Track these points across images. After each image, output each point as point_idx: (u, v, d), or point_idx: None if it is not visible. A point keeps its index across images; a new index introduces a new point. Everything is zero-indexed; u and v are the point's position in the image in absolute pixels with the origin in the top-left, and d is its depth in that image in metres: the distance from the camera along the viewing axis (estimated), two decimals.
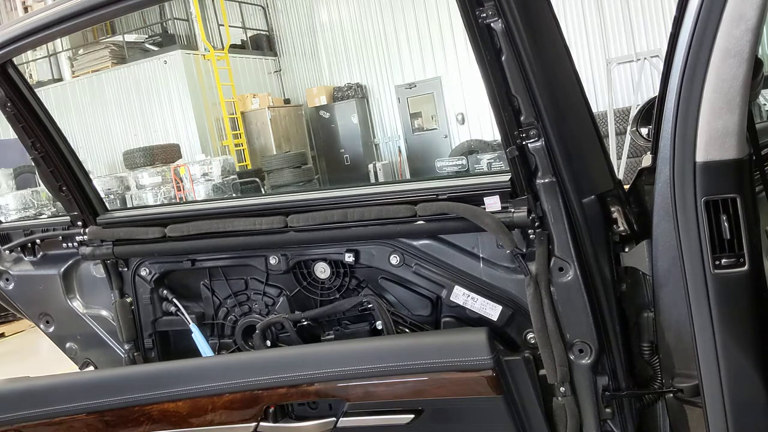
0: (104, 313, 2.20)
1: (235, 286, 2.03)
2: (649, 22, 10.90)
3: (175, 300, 2.08)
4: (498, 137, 1.55)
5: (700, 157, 1.22)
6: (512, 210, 1.52)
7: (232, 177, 11.58)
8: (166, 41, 14.26)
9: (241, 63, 14.22)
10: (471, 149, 11.48)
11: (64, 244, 2.14)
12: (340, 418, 1.67)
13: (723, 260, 1.25)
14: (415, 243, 1.72)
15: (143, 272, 2.07)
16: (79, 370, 2.25)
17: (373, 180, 12.75)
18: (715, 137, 1.19)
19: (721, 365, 1.29)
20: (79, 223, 2.05)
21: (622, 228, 1.46)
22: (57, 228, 2.14)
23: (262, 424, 1.71)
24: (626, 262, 1.48)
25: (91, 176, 2.11)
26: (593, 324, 1.47)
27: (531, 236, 1.52)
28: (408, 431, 1.63)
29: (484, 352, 1.56)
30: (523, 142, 1.41)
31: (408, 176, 13.41)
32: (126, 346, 2.13)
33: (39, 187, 10.26)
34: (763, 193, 1.53)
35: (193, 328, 2.05)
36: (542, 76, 1.34)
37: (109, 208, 2.09)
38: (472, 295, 1.66)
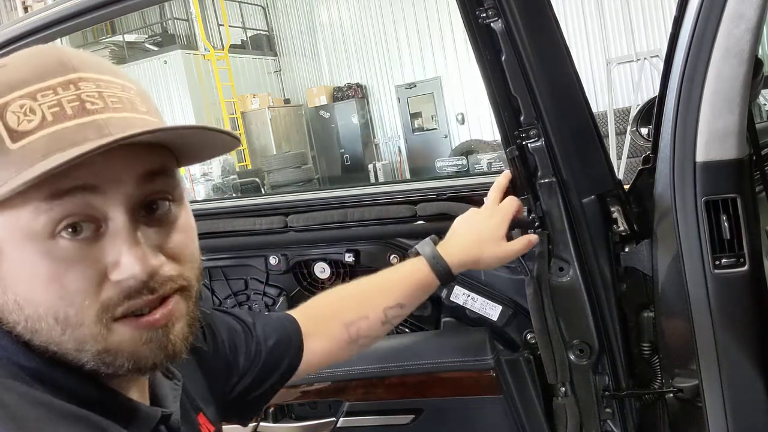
0: None
1: (235, 286, 2.03)
2: (649, 22, 10.90)
3: None
4: (498, 137, 1.55)
5: (700, 157, 1.21)
6: None
7: (232, 177, 11.58)
8: (166, 41, 14.26)
9: (241, 63, 14.21)
10: (471, 149, 11.47)
11: None
12: (340, 418, 1.67)
13: (723, 260, 1.24)
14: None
15: None
16: None
17: (373, 180, 12.74)
18: (715, 137, 1.19)
19: (721, 365, 1.29)
20: None
21: (622, 228, 1.46)
22: None
23: (262, 424, 1.71)
24: (626, 262, 1.47)
25: None
26: (593, 324, 1.47)
27: None
28: (408, 431, 1.63)
29: (484, 352, 1.57)
30: (523, 142, 1.41)
31: (408, 176, 13.40)
32: None
33: None
34: (763, 193, 1.53)
35: None
36: (542, 76, 1.34)
37: None
38: (472, 295, 1.66)
